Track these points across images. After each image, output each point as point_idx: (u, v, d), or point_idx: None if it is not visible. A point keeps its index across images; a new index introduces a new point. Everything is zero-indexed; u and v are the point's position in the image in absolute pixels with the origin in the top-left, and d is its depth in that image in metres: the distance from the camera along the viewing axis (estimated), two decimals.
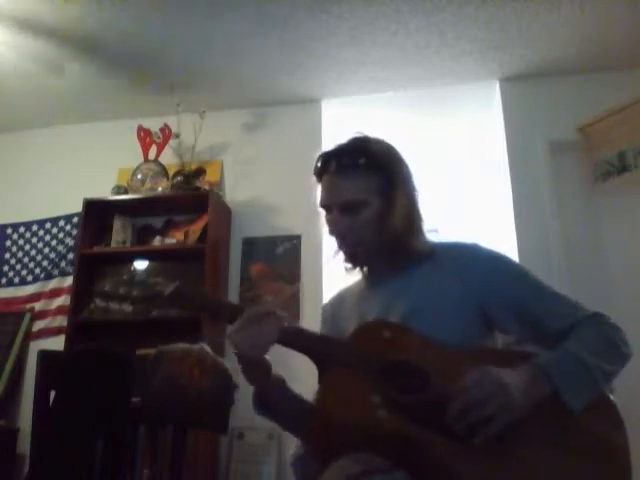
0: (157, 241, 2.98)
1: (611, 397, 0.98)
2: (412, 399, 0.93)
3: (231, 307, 1.06)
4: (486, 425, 0.88)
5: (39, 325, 3.10)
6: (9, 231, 3.36)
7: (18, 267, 3.29)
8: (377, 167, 1.11)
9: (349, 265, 1.18)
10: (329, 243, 1.19)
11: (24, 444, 2.70)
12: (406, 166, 1.17)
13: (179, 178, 3.01)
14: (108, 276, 2.96)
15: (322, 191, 1.16)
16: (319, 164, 1.16)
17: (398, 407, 0.92)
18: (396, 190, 1.11)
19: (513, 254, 2.65)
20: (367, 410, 0.93)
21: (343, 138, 1.16)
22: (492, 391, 0.89)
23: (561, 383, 0.93)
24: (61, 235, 3.27)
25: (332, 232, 1.15)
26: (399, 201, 1.11)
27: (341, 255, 1.17)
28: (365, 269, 1.20)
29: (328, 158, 1.14)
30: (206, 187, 2.99)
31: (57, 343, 2.89)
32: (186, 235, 3.00)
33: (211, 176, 3.14)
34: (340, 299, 1.28)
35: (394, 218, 1.10)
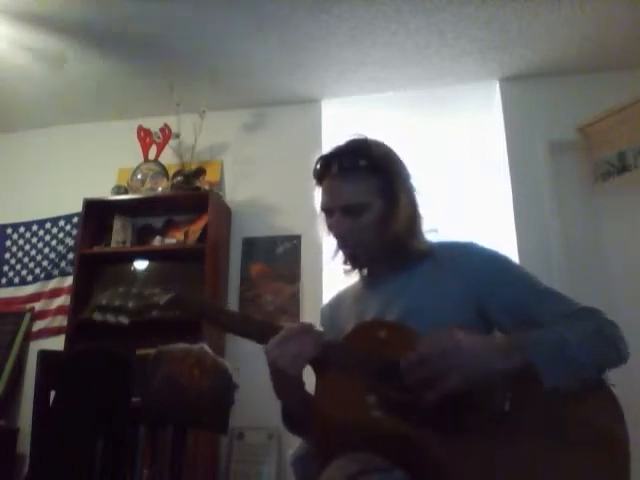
0: (157, 241, 2.97)
1: (612, 389, 0.97)
2: (409, 398, 0.94)
3: (227, 313, 1.07)
4: (439, 382, 0.88)
5: (39, 325, 3.10)
6: (9, 231, 3.36)
7: (18, 267, 3.29)
8: (378, 169, 1.11)
9: (348, 267, 1.19)
10: (329, 243, 1.19)
11: (24, 444, 2.71)
12: (405, 167, 1.17)
13: (179, 178, 3.01)
14: (107, 276, 2.97)
15: (323, 194, 1.15)
16: (319, 167, 1.16)
17: (395, 407, 0.93)
18: (398, 192, 1.11)
19: (513, 254, 2.65)
20: (364, 410, 0.93)
21: (341, 140, 1.16)
22: (444, 348, 0.89)
23: (535, 354, 0.91)
24: (61, 235, 3.27)
25: (334, 235, 1.15)
26: (401, 203, 1.11)
27: (340, 256, 1.17)
28: (364, 270, 1.20)
29: (328, 161, 1.14)
30: (206, 187, 2.99)
31: (57, 343, 2.89)
32: (186, 235, 2.99)
33: (211, 176, 3.14)
34: (338, 300, 1.29)
35: (397, 220, 1.10)
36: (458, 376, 0.88)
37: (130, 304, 1.12)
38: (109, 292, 1.15)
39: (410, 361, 0.89)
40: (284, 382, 1.02)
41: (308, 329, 1.01)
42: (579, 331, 0.96)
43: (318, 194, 1.17)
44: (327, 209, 1.15)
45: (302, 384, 1.05)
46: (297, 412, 1.09)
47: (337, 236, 1.14)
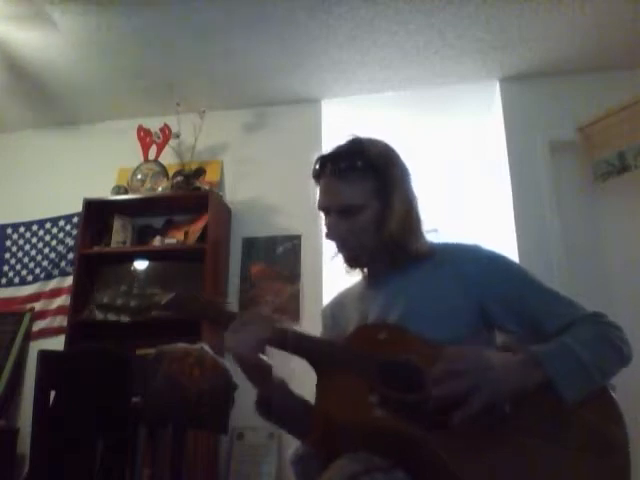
0: (157, 241, 2.97)
1: (610, 392, 0.97)
2: (410, 398, 0.94)
3: (227, 314, 1.08)
4: (465, 402, 0.88)
5: (39, 325, 3.10)
6: (9, 231, 3.36)
7: (18, 267, 3.29)
8: (374, 169, 1.11)
9: (348, 267, 1.19)
10: (329, 243, 1.19)
11: (24, 444, 2.71)
12: (402, 167, 1.17)
13: (179, 178, 3.01)
14: (107, 276, 2.96)
15: (320, 194, 1.17)
16: (317, 166, 1.17)
17: (396, 407, 0.93)
18: (393, 193, 1.11)
19: (513, 254, 2.65)
20: (365, 410, 0.93)
21: (340, 140, 1.17)
22: (474, 364, 0.90)
23: (553, 371, 0.93)
24: (61, 235, 3.27)
25: (331, 236, 1.15)
26: (396, 204, 1.11)
27: (340, 257, 1.18)
28: (365, 270, 1.21)
29: (325, 161, 1.15)
30: (206, 187, 2.99)
31: (57, 343, 2.89)
32: (186, 235, 3.00)
33: (211, 176, 3.14)
34: (339, 301, 1.29)
35: (391, 221, 1.10)
36: (489, 393, 0.89)
37: (132, 303, 1.13)
38: (110, 291, 1.16)
39: (441, 373, 0.89)
40: (248, 368, 1.05)
41: (262, 315, 1.05)
42: (592, 344, 0.98)
43: (317, 193, 1.18)
44: (323, 208, 1.16)
45: (268, 369, 1.07)
46: (273, 398, 1.11)
47: (335, 238, 1.15)
